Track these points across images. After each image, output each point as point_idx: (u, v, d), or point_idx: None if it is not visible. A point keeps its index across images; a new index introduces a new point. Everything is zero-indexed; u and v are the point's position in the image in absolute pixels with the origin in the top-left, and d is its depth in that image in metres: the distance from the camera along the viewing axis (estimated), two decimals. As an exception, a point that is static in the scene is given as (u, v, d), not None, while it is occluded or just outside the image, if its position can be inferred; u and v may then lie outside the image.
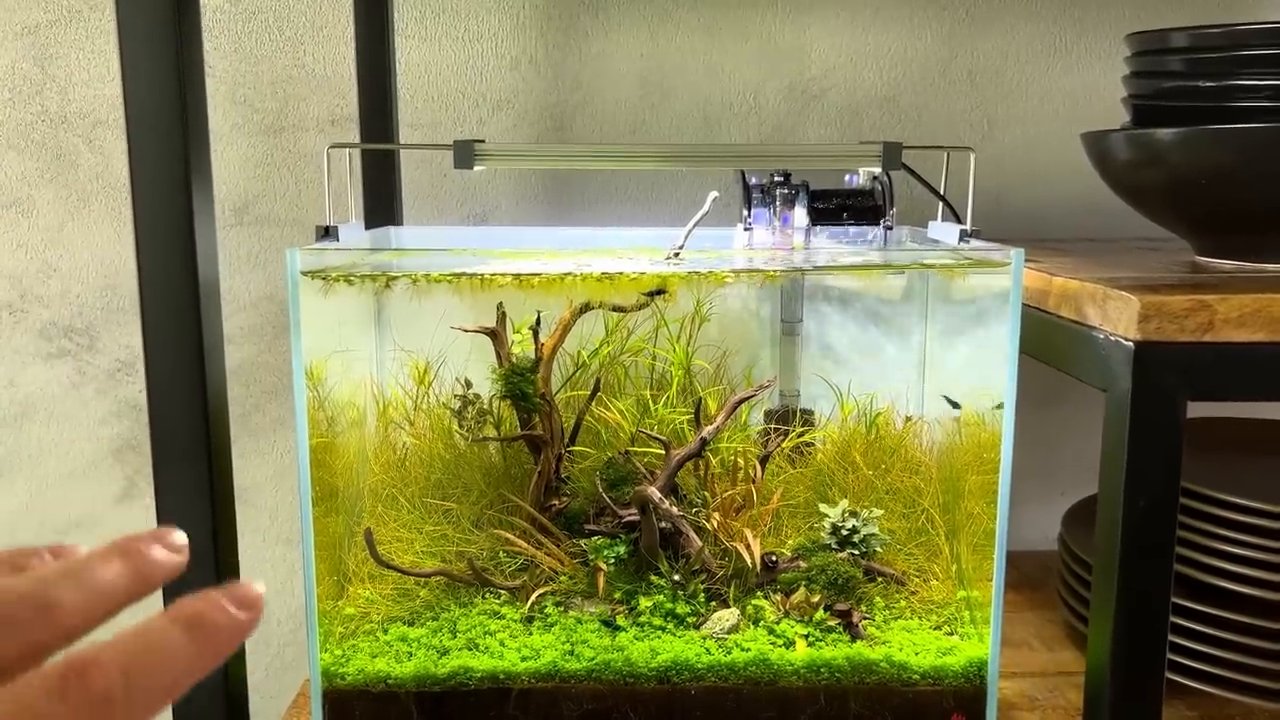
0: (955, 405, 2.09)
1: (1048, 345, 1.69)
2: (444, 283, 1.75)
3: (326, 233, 1.82)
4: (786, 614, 1.84)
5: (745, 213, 2.02)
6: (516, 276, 1.71)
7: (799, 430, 2.09)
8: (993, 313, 1.78)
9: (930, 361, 2.15)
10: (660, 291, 1.77)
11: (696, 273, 1.69)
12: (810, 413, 2.18)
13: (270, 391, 2.77)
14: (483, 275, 1.72)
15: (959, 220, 1.92)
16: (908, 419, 2.13)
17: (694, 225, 1.79)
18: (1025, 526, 2.69)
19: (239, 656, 1.70)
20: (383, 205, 2.35)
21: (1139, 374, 1.41)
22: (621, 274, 1.69)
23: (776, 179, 2.13)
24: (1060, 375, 1.72)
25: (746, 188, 2.17)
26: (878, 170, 2.06)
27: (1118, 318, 1.45)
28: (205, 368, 1.53)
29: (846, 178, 2.13)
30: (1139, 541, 1.47)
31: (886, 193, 2.14)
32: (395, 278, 1.85)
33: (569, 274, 1.69)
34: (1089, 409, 2.64)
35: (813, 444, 2.14)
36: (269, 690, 2.79)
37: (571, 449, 2.05)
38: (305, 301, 1.64)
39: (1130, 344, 1.42)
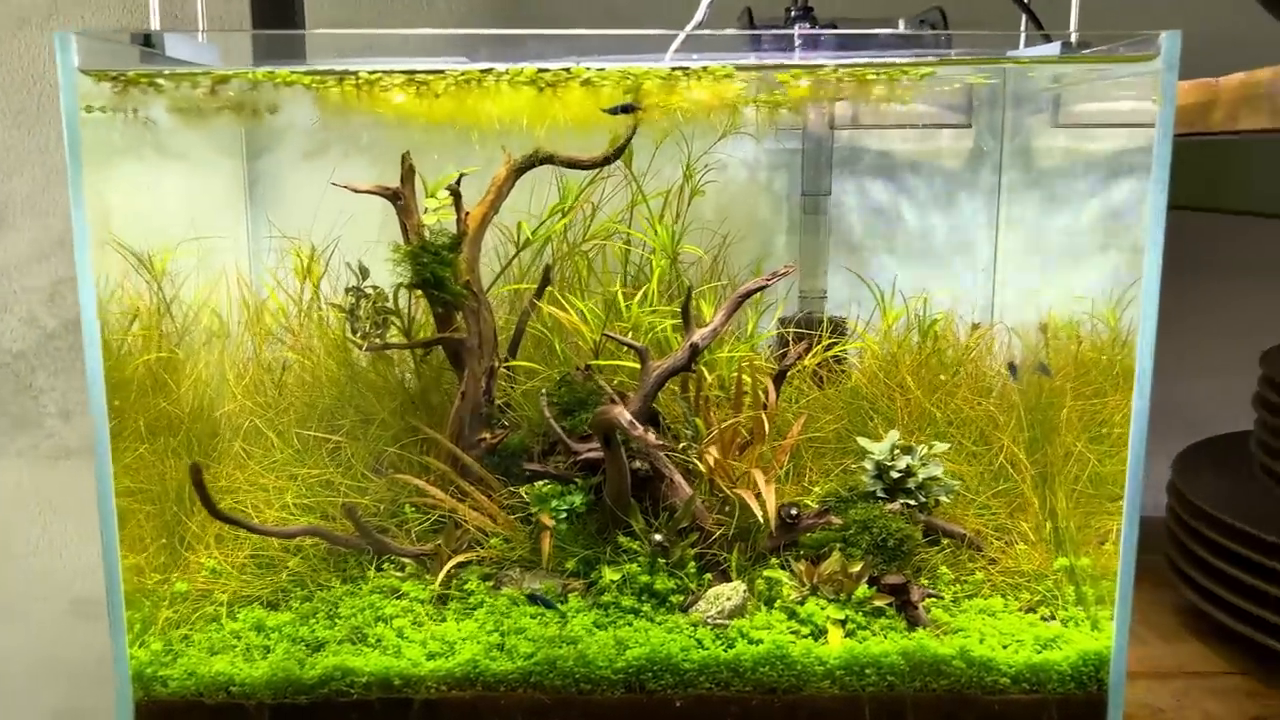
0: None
1: (1216, 183, 1.12)
2: (297, 85, 1.17)
3: (146, 41, 1.25)
4: (815, 590, 1.27)
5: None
6: (410, 78, 1.14)
7: (827, 341, 1.52)
8: (1105, 165, 1.23)
9: (1005, 250, 1.58)
10: (631, 107, 1.19)
11: (684, 72, 1.12)
12: (842, 320, 1.61)
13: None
14: (357, 75, 1.14)
15: (1041, 29, 1.35)
16: (975, 327, 1.56)
17: (688, 32, 1.22)
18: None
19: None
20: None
21: None
22: (570, 75, 1.11)
23: (793, 11, 1.56)
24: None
25: (753, 27, 1.59)
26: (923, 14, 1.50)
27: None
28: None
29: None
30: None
31: (941, 31, 1.57)
32: (226, 76, 1.27)
33: (492, 74, 1.12)
34: (1197, 337, 2.02)
35: (844, 360, 1.57)
36: (100, 715, 2.18)
37: (511, 363, 1.48)
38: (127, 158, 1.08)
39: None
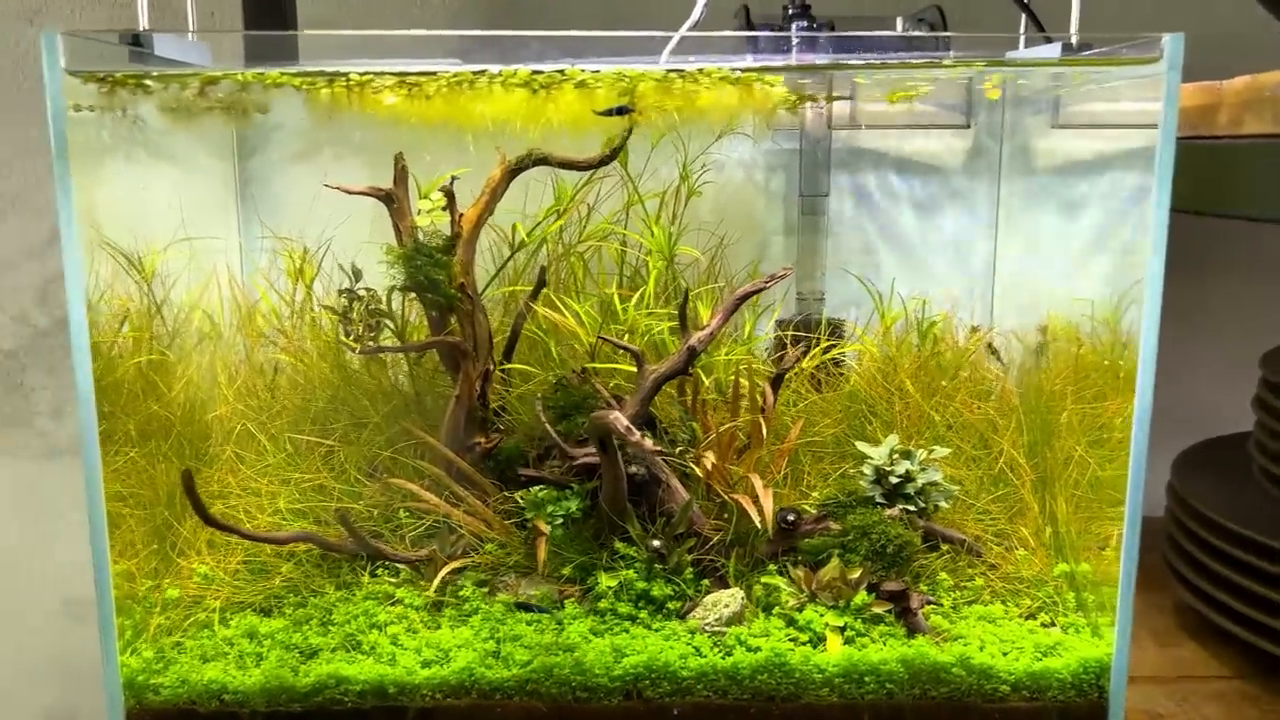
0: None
1: (1219, 187, 1.11)
2: (286, 86, 1.15)
3: (135, 41, 1.23)
4: (813, 596, 1.26)
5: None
6: (402, 80, 1.12)
7: (825, 344, 1.51)
8: (1106, 167, 1.22)
9: (1005, 252, 1.57)
10: (626, 109, 1.17)
11: (679, 75, 1.10)
12: (840, 322, 1.60)
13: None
14: (348, 77, 1.12)
15: (1042, 30, 1.35)
16: (974, 330, 1.55)
17: (684, 31, 1.20)
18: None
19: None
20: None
21: None
22: (565, 77, 1.09)
23: (790, 10, 1.54)
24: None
25: (750, 26, 1.57)
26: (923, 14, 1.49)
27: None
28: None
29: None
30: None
31: (940, 31, 1.56)
32: (215, 77, 1.25)
33: (485, 75, 1.10)
34: (1198, 339, 2.01)
35: (843, 363, 1.56)
36: (92, 715, 2.16)
37: (506, 366, 1.47)
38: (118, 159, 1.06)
39: None
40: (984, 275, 1.59)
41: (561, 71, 1.09)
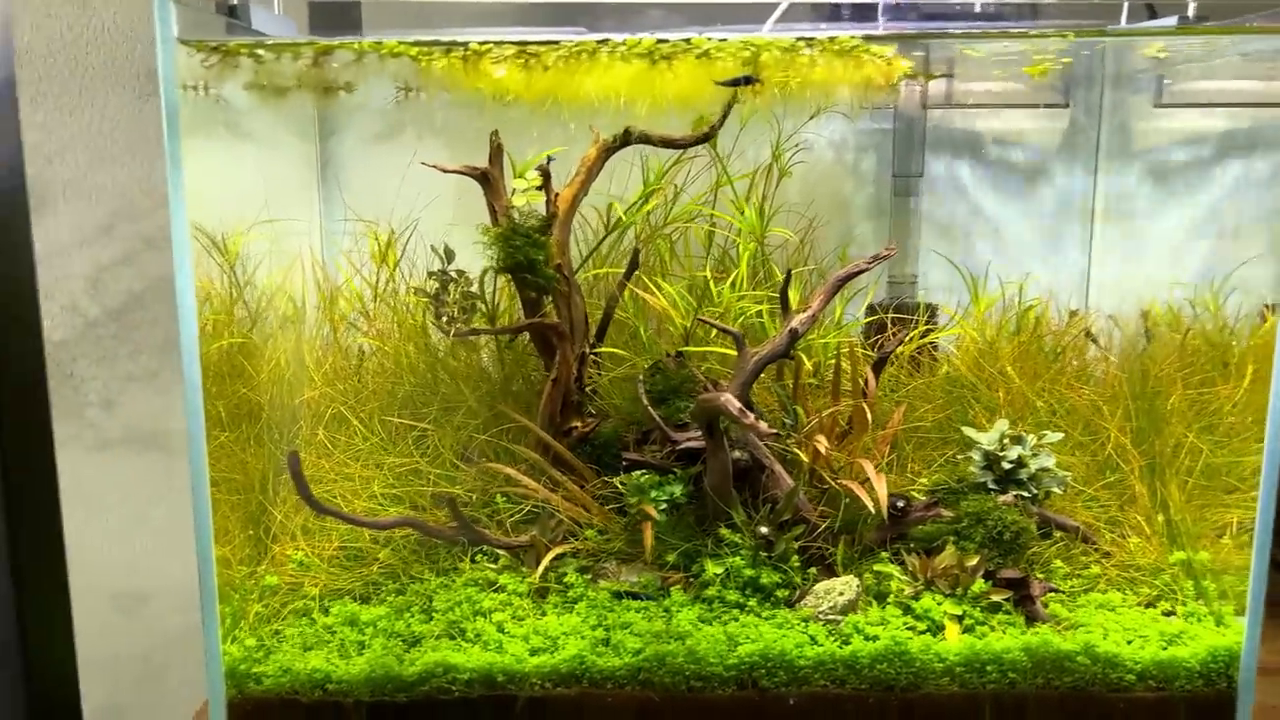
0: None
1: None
2: (402, 56, 1.12)
3: (231, 12, 1.20)
4: (929, 584, 1.23)
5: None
6: (521, 51, 1.09)
7: (923, 328, 1.47)
8: (1213, 147, 1.20)
9: (1101, 236, 1.54)
10: (750, 79, 1.14)
11: (806, 43, 1.07)
12: (933, 307, 1.56)
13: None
14: (465, 48, 1.08)
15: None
16: (1073, 314, 1.51)
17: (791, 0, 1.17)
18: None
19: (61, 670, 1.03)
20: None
21: None
22: (689, 45, 1.06)
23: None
24: None
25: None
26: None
27: None
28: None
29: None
30: None
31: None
32: (331, 47, 1.22)
33: (606, 44, 1.06)
34: None
35: (937, 347, 1.52)
36: (140, 712, 2.12)
37: (598, 350, 1.44)
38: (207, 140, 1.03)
39: None
40: (1079, 259, 1.55)
41: (688, 40, 1.06)
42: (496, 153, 1.34)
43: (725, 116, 1.33)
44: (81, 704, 1.49)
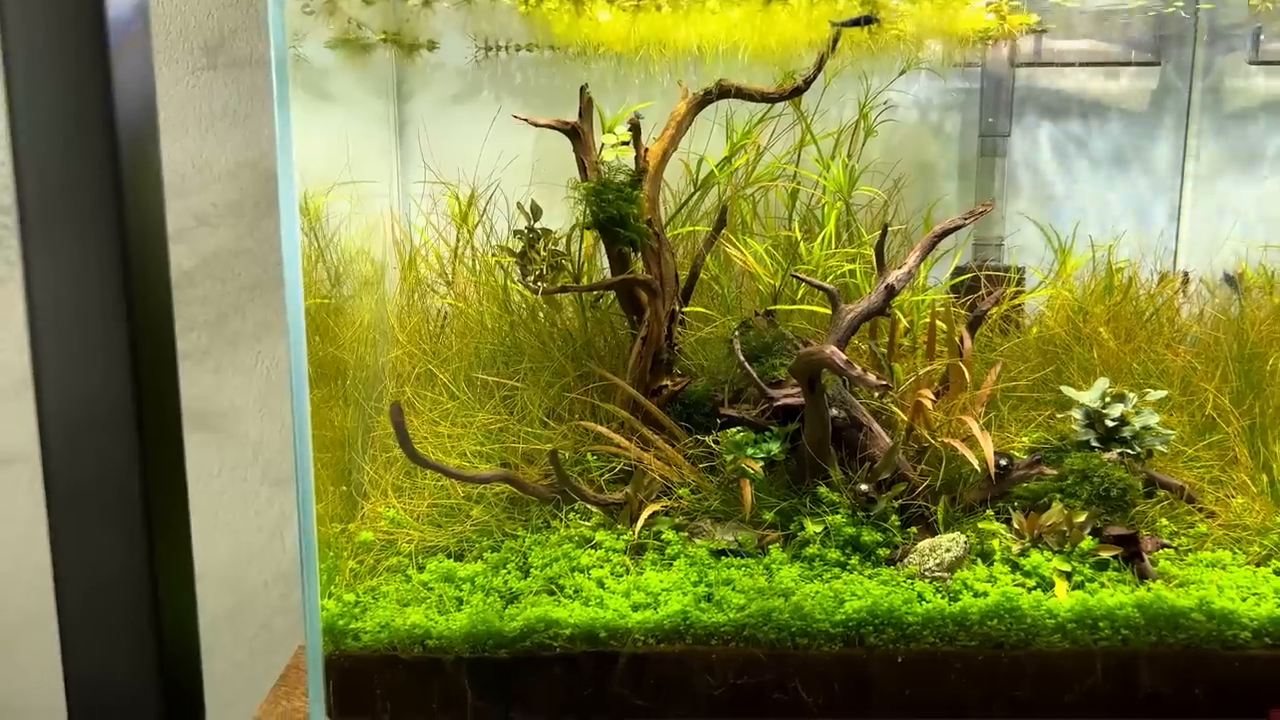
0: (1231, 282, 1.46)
1: None
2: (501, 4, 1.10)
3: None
4: (1035, 541, 1.20)
5: None
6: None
7: (1014, 289, 1.45)
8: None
9: (1192, 197, 1.51)
10: (870, 19, 1.12)
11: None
12: (1019, 269, 1.54)
13: (253, 288, 2.08)
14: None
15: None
16: (1163, 276, 1.49)
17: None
18: None
19: (184, 632, 0.99)
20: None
21: None
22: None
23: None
24: None
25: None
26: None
27: None
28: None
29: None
30: None
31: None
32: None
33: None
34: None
35: (1021, 311, 1.50)
36: (254, 672, 2.11)
37: (684, 310, 1.42)
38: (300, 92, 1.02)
39: None
40: (1169, 219, 1.53)
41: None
42: (587, 107, 1.32)
43: (820, 69, 1.31)
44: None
